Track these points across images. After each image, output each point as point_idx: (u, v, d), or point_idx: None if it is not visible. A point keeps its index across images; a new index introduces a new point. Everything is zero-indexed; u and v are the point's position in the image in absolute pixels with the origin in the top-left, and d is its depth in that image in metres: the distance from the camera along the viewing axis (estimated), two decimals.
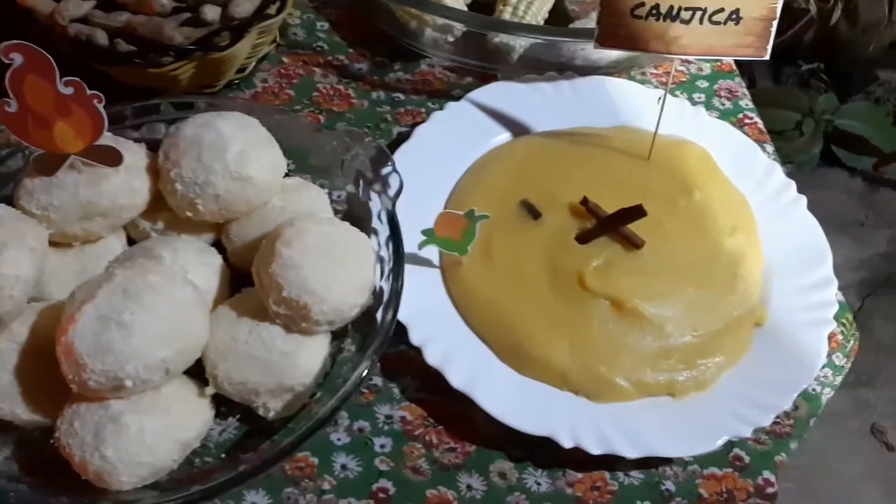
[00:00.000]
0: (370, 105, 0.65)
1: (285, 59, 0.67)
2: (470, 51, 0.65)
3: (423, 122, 0.61)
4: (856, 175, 1.82)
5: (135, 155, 0.49)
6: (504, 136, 0.61)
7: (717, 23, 0.51)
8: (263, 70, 0.66)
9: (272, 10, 0.57)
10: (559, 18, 0.70)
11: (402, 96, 0.66)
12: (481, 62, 0.66)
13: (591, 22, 0.63)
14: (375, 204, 0.50)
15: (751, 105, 0.68)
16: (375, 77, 0.67)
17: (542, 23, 0.67)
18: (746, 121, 0.66)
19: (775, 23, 0.51)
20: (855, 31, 1.92)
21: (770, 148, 0.64)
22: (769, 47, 0.51)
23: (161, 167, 0.49)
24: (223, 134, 0.48)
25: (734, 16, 0.50)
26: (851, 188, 1.81)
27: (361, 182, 0.51)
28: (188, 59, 0.55)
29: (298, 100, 0.65)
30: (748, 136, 0.64)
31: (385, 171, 0.51)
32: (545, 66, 0.65)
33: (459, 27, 0.62)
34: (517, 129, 0.62)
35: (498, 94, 0.63)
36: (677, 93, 0.67)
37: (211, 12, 0.54)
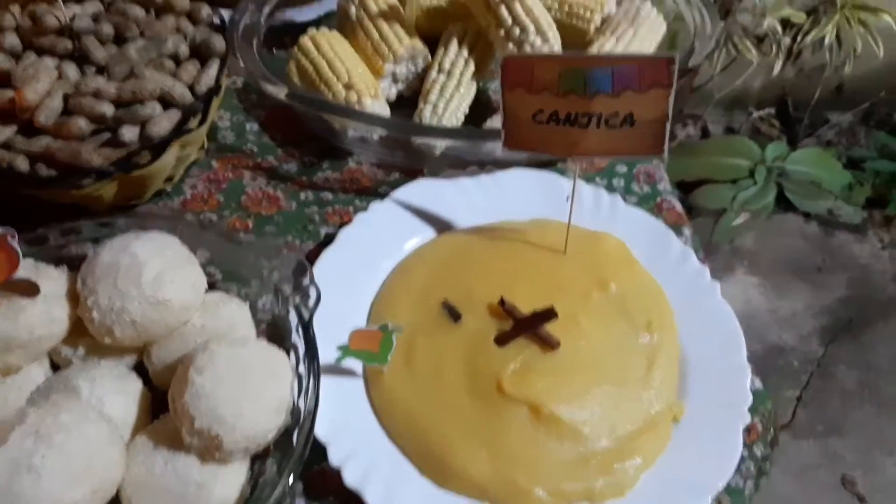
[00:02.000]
0: (298, 206, 0.66)
1: (215, 163, 0.69)
2: (394, 149, 0.67)
3: (349, 220, 0.63)
4: (811, 220, 1.86)
5: (54, 283, 0.50)
6: (428, 233, 0.63)
7: (614, 126, 0.53)
8: (193, 176, 0.67)
9: (192, 123, 0.59)
10: (481, 108, 0.72)
11: (330, 195, 0.67)
12: (406, 159, 0.68)
13: None
14: (294, 318, 0.51)
15: (669, 188, 0.70)
16: (304, 177, 0.69)
17: (461, 118, 0.69)
18: (665, 205, 0.68)
19: (668, 123, 0.53)
20: (801, 77, 1.98)
21: (688, 231, 0.66)
22: (665, 145, 0.53)
23: (79, 293, 0.49)
24: (139, 258, 0.49)
25: (628, 119, 0.53)
26: (807, 233, 1.85)
27: (280, 296, 0.52)
28: (109, 179, 0.56)
29: (227, 204, 0.66)
30: (666, 221, 0.66)
31: (304, 282, 0.52)
32: (468, 161, 0.67)
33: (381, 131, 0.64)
34: (441, 226, 0.63)
35: (421, 191, 0.64)
36: (596, 179, 0.69)
37: (129, 133, 0.55)
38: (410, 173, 0.68)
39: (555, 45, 0.66)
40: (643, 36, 0.71)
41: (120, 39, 0.60)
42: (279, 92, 0.60)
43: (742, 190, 1.78)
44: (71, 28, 0.58)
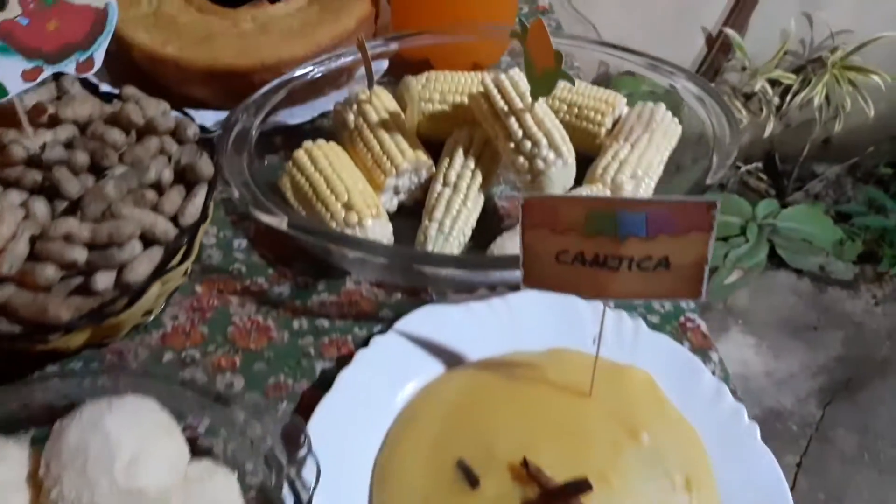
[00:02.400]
0: (291, 337, 0.60)
1: (199, 288, 0.63)
2: (396, 269, 0.62)
3: (349, 354, 0.57)
4: (803, 276, 1.83)
5: (11, 465, 0.44)
6: (437, 368, 0.57)
7: (647, 269, 0.48)
8: (174, 303, 0.61)
9: (176, 260, 0.53)
10: (488, 217, 0.68)
11: (326, 323, 0.62)
12: (409, 280, 0.63)
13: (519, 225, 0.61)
14: (289, 497, 0.45)
15: (692, 304, 0.65)
16: (297, 301, 0.63)
17: (469, 233, 0.64)
18: (689, 325, 0.64)
19: (707, 266, 0.48)
20: (788, 132, 1.98)
21: (716, 356, 0.62)
22: (703, 288, 0.49)
23: (42, 479, 0.43)
24: (111, 437, 0.43)
25: (663, 263, 0.48)
26: (800, 290, 1.82)
27: (273, 468, 0.46)
28: (79, 330, 0.50)
29: (213, 338, 0.60)
30: (692, 345, 0.61)
31: (300, 453, 0.46)
32: (476, 282, 0.62)
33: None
34: (450, 359, 0.58)
35: (428, 319, 0.59)
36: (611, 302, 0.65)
37: (103, 281, 0.49)
38: (413, 293, 0.63)
39: (569, 159, 0.62)
40: (658, 142, 0.67)
41: (97, 168, 0.54)
42: (280, 223, 0.55)
43: (734, 248, 1.76)
44: (41, 158, 0.52)
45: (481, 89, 0.70)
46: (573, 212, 0.47)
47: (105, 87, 0.71)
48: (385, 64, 0.75)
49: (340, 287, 0.64)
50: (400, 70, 0.77)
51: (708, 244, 0.47)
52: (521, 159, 0.62)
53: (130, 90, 0.60)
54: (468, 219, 0.63)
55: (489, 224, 0.67)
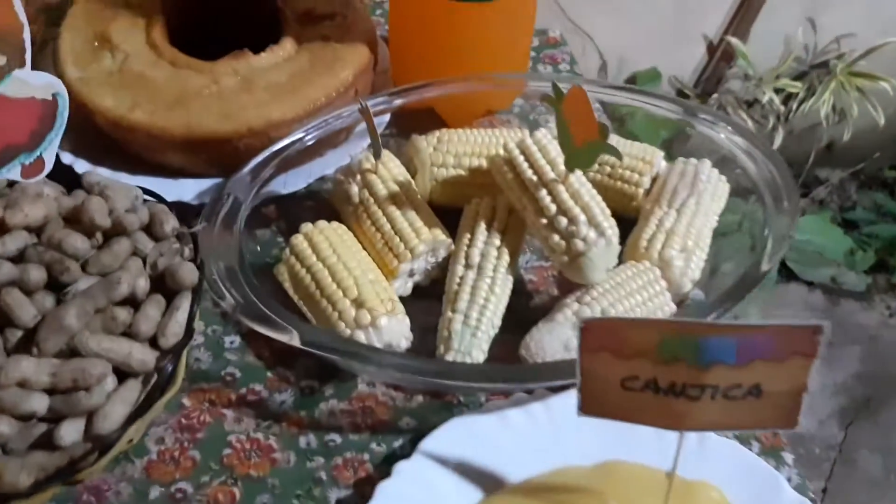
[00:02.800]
0: (298, 459, 0.51)
1: (186, 401, 0.54)
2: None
3: (367, 479, 0.49)
4: (815, 289, 1.77)
5: None
6: (472, 497, 0.49)
7: (734, 398, 0.40)
8: (159, 422, 0.52)
9: (157, 392, 0.44)
10: (516, 293, 0.59)
11: (337, 438, 0.53)
12: (434, 385, 0.54)
13: (558, 314, 0.53)
14: None
15: None
16: (302, 412, 0.54)
17: (499, 322, 0.55)
18: None
19: (806, 395, 0.40)
20: (791, 138, 1.91)
21: (790, 457, 0.54)
22: (799, 418, 0.41)
23: None
24: None
25: (754, 391, 0.40)
26: (813, 304, 1.75)
27: None
28: (44, 491, 0.41)
29: (205, 465, 0.51)
30: (762, 446, 0.53)
31: None
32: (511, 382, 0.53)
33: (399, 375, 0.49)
34: (487, 483, 0.49)
35: (457, 435, 0.50)
36: None
37: (69, 434, 0.40)
38: (436, 395, 0.55)
39: (613, 238, 0.53)
40: (707, 206, 0.59)
41: (55, 283, 0.45)
42: (291, 339, 0.46)
43: None
44: None
45: (501, 149, 0.62)
46: (644, 337, 0.38)
47: (65, 158, 0.62)
48: (386, 118, 0.66)
49: (351, 391, 0.55)
50: (403, 120, 0.68)
51: (809, 371, 0.39)
52: (556, 238, 0.53)
53: (93, 178, 0.50)
54: (497, 307, 0.55)
55: (516, 302, 0.58)
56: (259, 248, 0.62)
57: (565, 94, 0.49)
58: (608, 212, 0.54)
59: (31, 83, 0.38)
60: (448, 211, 0.61)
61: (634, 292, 0.53)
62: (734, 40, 1.59)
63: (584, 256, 0.53)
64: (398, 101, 0.64)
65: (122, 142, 0.62)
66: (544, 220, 0.54)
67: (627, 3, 1.58)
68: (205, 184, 0.63)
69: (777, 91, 1.66)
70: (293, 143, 0.60)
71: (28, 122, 0.38)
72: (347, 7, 0.70)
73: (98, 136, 0.63)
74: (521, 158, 0.55)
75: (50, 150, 0.39)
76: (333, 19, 0.69)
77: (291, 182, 0.62)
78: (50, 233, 0.46)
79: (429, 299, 0.58)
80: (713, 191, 0.60)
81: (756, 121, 1.73)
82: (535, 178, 0.54)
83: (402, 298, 0.56)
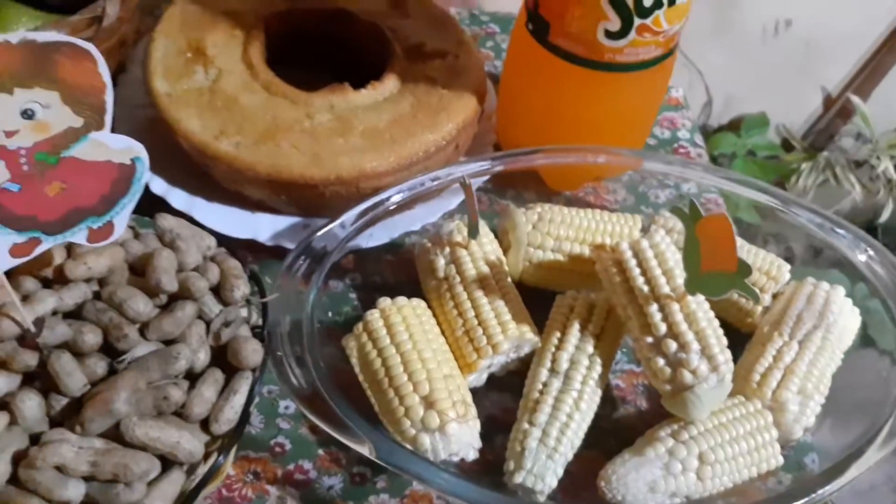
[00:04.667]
0: None
1: (231, 469, 0.50)
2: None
3: None
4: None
5: None
6: None
7: None
8: None
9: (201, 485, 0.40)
10: (601, 402, 0.53)
11: None
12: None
13: (648, 449, 0.47)
14: None
15: None
16: (350, 503, 0.49)
17: (578, 443, 0.49)
18: None
19: None
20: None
21: None
22: None
23: None
24: None
25: None
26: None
27: None
28: None
29: None
30: None
31: None
32: None
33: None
34: None
35: None
36: None
37: None
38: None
39: (727, 375, 0.47)
40: (834, 344, 0.52)
41: (110, 348, 0.41)
42: (366, 451, 0.42)
43: None
44: (36, 339, 0.39)
45: (608, 238, 0.56)
46: None
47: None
48: (484, 178, 0.61)
49: (405, 487, 0.50)
50: (498, 177, 0.63)
51: None
52: (662, 362, 0.47)
53: (166, 223, 0.46)
54: (581, 425, 0.49)
55: (597, 409, 0.52)
56: (329, 301, 0.57)
57: (703, 216, 0.43)
58: (725, 342, 0.48)
59: (110, 146, 0.34)
60: (538, 293, 0.56)
61: (740, 438, 0.47)
62: (856, 99, 1.47)
63: (691, 391, 0.46)
64: (499, 168, 0.58)
65: (202, 166, 0.58)
66: (650, 339, 0.47)
67: (746, 42, 1.48)
68: (281, 222, 0.59)
69: (892, 158, 1.54)
70: (385, 201, 0.55)
71: (100, 185, 0.34)
72: (460, 47, 0.65)
73: (177, 153, 0.60)
74: (633, 263, 0.49)
75: (121, 216, 0.35)
76: (444, 58, 0.64)
77: (375, 235, 0.57)
78: (113, 288, 0.42)
79: (502, 392, 0.53)
80: (843, 325, 0.53)
81: (864, 185, 1.61)
82: (646, 288, 0.48)
83: (472, 389, 0.51)
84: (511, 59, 0.63)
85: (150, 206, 0.54)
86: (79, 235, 0.35)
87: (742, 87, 1.56)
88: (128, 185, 0.35)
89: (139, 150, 0.35)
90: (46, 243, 0.34)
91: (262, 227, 0.58)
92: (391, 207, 0.55)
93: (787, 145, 1.61)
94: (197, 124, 0.56)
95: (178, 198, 0.58)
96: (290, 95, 0.59)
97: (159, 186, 0.58)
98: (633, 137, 0.63)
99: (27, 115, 0.32)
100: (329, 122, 0.58)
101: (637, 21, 0.52)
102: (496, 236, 0.58)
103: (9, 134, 0.31)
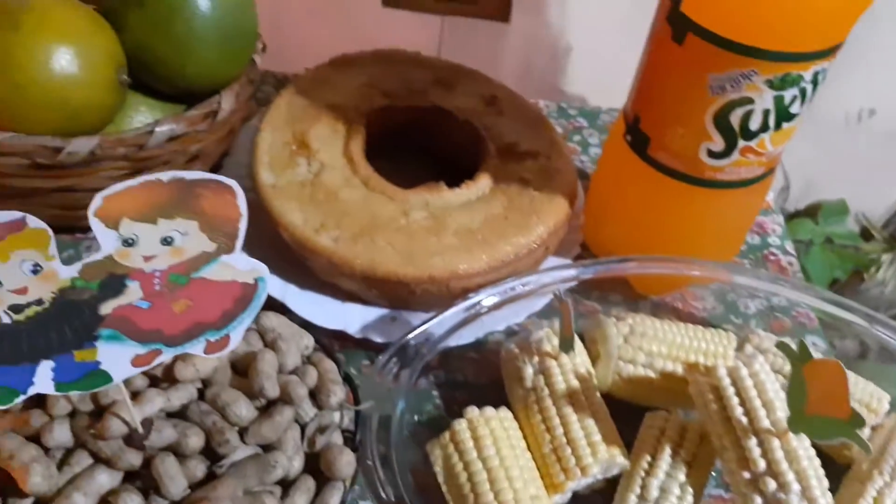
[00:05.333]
0: None
1: None
2: None
3: None
4: None
5: None
6: None
7: None
8: None
9: None
10: None
11: None
12: None
13: None
14: None
15: None
16: None
17: None
18: None
19: None
20: None
21: None
22: None
23: None
24: None
25: None
26: None
27: None
28: None
29: None
30: None
31: None
32: None
33: None
34: None
35: None
36: None
37: None
38: None
39: None
40: None
41: (211, 451, 0.42)
42: None
43: None
44: (142, 440, 0.40)
45: (701, 357, 0.54)
46: None
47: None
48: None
49: None
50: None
51: None
52: (759, 501, 0.45)
53: (268, 322, 0.48)
54: None
55: None
56: (413, 400, 0.57)
57: (813, 358, 0.41)
58: (826, 483, 0.46)
59: (237, 267, 0.35)
60: (626, 406, 0.55)
61: None
62: None
63: None
64: (590, 275, 0.58)
65: (300, 257, 0.60)
66: (747, 475, 0.46)
67: (828, 129, 1.45)
68: (370, 314, 0.60)
69: None
70: (478, 303, 0.55)
71: (223, 302, 0.35)
72: (552, 148, 0.66)
73: (274, 239, 0.61)
74: (731, 391, 0.48)
75: (238, 330, 0.36)
76: (536, 158, 0.64)
77: (464, 334, 0.57)
78: (217, 390, 0.43)
79: None
80: None
81: None
82: (745, 420, 0.47)
83: None
84: (605, 163, 0.64)
85: None
86: (197, 347, 0.36)
87: (822, 173, 1.53)
88: (248, 302, 0.36)
89: (263, 271, 0.36)
90: (166, 354, 0.36)
91: (352, 318, 0.59)
92: (482, 311, 0.55)
93: (866, 234, 1.56)
94: (299, 217, 0.58)
95: (273, 285, 0.60)
96: (388, 192, 0.60)
97: None
98: (725, 249, 0.63)
99: (167, 241, 0.33)
100: (424, 220, 0.59)
101: (741, 143, 0.51)
102: (581, 338, 0.57)
103: (147, 258, 0.33)
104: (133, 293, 0.33)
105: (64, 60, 0.49)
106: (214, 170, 0.66)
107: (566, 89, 0.94)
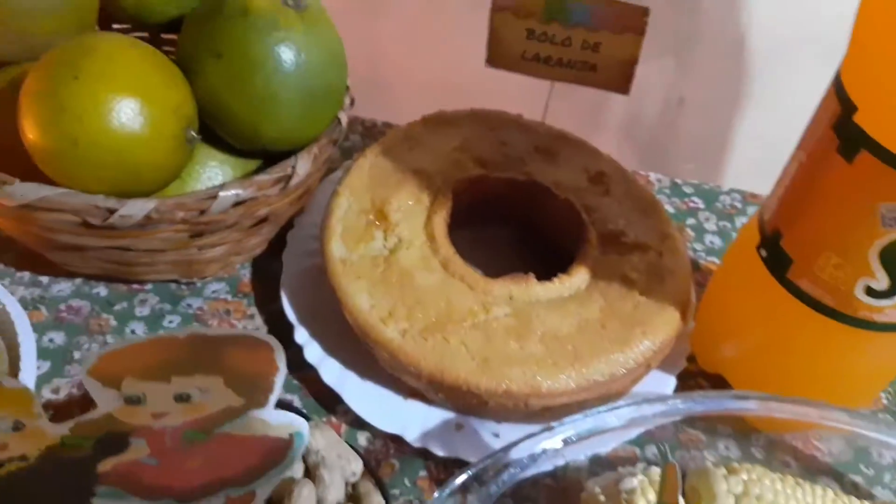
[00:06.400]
0: None
1: None
2: None
3: None
4: None
5: None
6: None
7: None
8: None
9: None
10: None
11: None
12: None
13: None
14: None
15: None
16: None
17: None
18: None
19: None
20: None
21: None
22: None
23: None
24: None
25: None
26: None
27: None
28: None
29: None
30: None
31: None
32: None
33: None
34: None
35: None
36: None
37: None
38: None
39: None
40: None
41: None
42: None
43: None
44: None
45: None
46: None
47: (299, 335, 0.54)
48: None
49: None
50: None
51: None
52: None
53: (315, 443, 0.41)
54: None
55: None
56: None
57: None
58: None
59: (269, 422, 0.29)
60: None
61: None
62: None
63: None
64: (701, 410, 0.48)
65: (363, 343, 0.53)
66: None
67: None
68: (433, 417, 0.53)
69: None
70: (560, 433, 0.47)
71: (249, 458, 0.29)
72: (665, 242, 0.57)
73: (339, 315, 0.55)
74: None
75: (266, 487, 0.30)
76: (645, 254, 0.56)
77: (541, 461, 0.49)
78: None
79: None
80: None
81: None
82: None
83: None
84: (728, 272, 0.54)
85: (299, 367, 0.50)
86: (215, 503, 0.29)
87: None
88: (280, 458, 0.29)
89: (300, 426, 0.30)
90: None
91: (412, 420, 0.52)
92: (571, 440, 0.47)
93: None
94: (366, 301, 0.51)
95: (331, 371, 0.53)
96: (468, 279, 0.53)
97: (314, 354, 0.54)
98: (863, 394, 0.52)
99: (182, 398, 0.27)
100: (506, 318, 0.51)
101: None
102: (682, 474, 0.48)
103: (157, 416, 0.27)
104: (138, 450, 0.27)
105: (126, 115, 0.44)
106: (284, 229, 0.60)
107: (682, 164, 0.85)
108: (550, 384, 0.48)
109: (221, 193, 0.48)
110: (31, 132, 0.43)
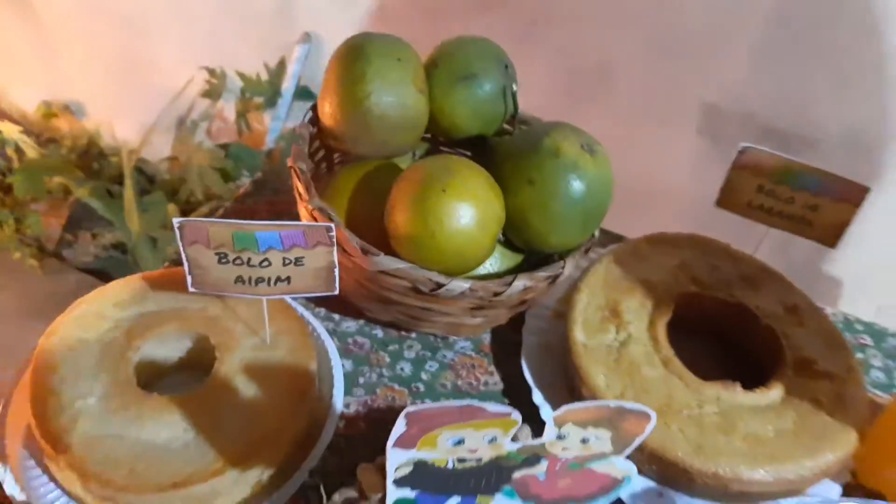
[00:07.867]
0: None
1: None
2: None
3: None
4: None
5: None
6: None
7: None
8: None
9: None
10: None
11: None
12: None
13: None
14: None
15: None
16: None
17: None
18: None
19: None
20: None
21: None
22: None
23: None
24: None
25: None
26: None
27: None
28: None
29: None
30: None
31: None
32: None
33: None
34: None
35: None
36: None
37: None
38: None
39: None
40: None
41: None
42: None
43: None
44: None
45: None
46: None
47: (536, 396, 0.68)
48: None
49: None
50: None
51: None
52: None
53: None
54: None
55: None
56: None
57: None
58: None
59: (615, 465, 0.42)
60: None
61: None
62: None
63: None
64: None
65: None
66: None
67: None
68: (638, 482, 0.65)
69: None
70: None
71: (591, 485, 0.43)
72: (849, 374, 0.68)
73: (568, 388, 0.69)
74: None
75: None
76: (832, 382, 0.67)
77: None
78: None
79: None
80: None
81: None
82: None
83: None
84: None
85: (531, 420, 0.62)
86: None
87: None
88: (608, 491, 0.43)
89: (632, 472, 0.43)
90: None
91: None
92: None
93: None
94: (602, 382, 0.65)
95: None
96: (685, 378, 0.66)
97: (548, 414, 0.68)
98: None
99: (584, 441, 0.41)
100: (714, 416, 0.63)
101: None
102: None
103: (565, 449, 0.41)
104: (540, 468, 0.41)
105: (467, 218, 0.60)
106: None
107: (856, 304, 0.95)
108: (751, 475, 0.60)
109: (515, 283, 0.63)
110: (400, 222, 0.61)
